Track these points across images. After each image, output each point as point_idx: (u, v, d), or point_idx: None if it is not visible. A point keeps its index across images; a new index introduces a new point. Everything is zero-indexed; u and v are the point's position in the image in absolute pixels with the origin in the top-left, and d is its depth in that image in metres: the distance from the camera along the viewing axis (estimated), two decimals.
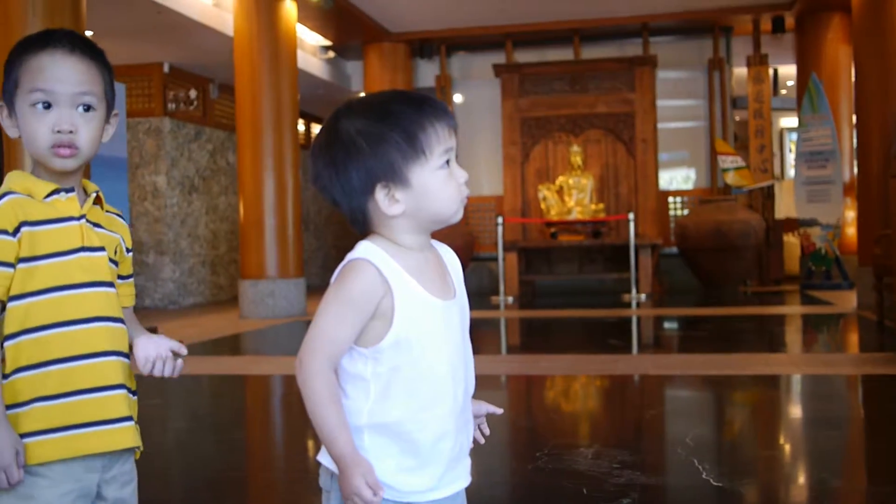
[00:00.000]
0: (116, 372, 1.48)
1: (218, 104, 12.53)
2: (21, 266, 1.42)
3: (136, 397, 1.55)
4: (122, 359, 1.50)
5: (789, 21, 12.20)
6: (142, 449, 1.54)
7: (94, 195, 1.53)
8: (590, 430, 4.08)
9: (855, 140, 10.06)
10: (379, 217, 1.32)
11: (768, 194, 12.23)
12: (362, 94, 1.38)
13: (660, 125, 12.55)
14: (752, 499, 2.88)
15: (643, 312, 9.28)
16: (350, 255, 1.31)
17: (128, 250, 1.59)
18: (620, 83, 12.39)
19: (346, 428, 1.27)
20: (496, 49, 13.19)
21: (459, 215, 1.34)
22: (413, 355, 1.29)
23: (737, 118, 14.00)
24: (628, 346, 7.00)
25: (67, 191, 1.48)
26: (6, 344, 1.43)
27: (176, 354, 1.54)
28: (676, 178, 13.26)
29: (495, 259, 11.62)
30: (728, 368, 5.34)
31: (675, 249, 12.32)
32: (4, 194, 1.43)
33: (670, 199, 13.03)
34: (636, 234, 11.04)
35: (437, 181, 1.30)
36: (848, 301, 9.29)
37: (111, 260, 1.52)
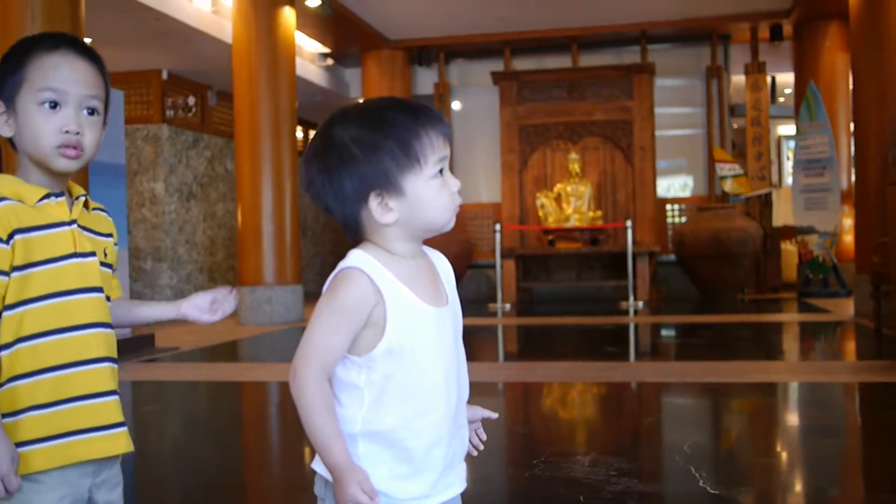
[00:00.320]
0: (109, 378, 1.49)
1: (216, 111, 12.54)
2: (15, 274, 1.41)
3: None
4: (113, 364, 1.51)
5: (787, 29, 12.23)
6: (133, 451, 1.54)
7: (82, 199, 1.53)
8: (587, 438, 4.07)
9: (852, 148, 10.07)
10: (372, 225, 1.32)
11: (766, 202, 12.25)
12: (356, 101, 1.37)
13: (658, 133, 12.56)
14: None
15: (641, 320, 9.28)
16: (342, 264, 1.31)
17: (115, 244, 1.59)
18: (618, 91, 12.41)
19: (341, 437, 1.26)
20: (494, 56, 13.21)
21: (452, 224, 1.34)
22: (406, 363, 1.29)
23: (734, 126, 14.02)
24: (626, 354, 7.00)
25: (57, 195, 1.47)
26: (2, 353, 1.42)
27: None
28: (674, 186, 13.28)
29: (493, 266, 11.62)
30: (725, 376, 5.33)
31: (672, 257, 12.33)
32: None
33: (668, 206, 13.03)
34: (634, 242, 11.05)
35: (431, 190, 1.30)
36: (845, 309, 9.30)
37: (103, 264, 1.52)
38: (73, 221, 1.48)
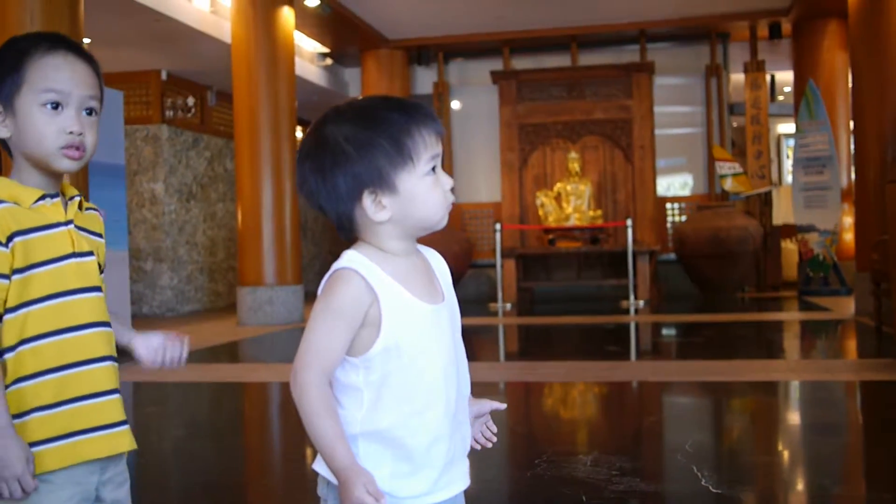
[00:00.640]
0: (111, 376, 1.49)
1: (216, 111, 12.53)
2: (16, 277, 1.41)
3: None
4: (114, 363, 1.51)
5: (786, 27, 12.22)
6: (136, 449, 1.55)
7: (77, 199, 1.52)
8: (588, 437, 4.07)
9: (852, 146, 10.07)
10: (366, 223, 1.31)
11: (766, 200, 12.24)
12: (348, 100, 1.37)
13: (657, 131, 12.56)
14: None
15: (641, 319, 9.28)
16: (335, 265, 1.31)
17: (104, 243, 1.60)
18: (618, 90, 12.41)
19: (344, 439, 1.26)
20: (494, 56, 13.21)
21: (445, 221, 1.34)
22: (403, 361, 1.28)
23: (734, 124, 14.02)
24: (626, 353, 6.99)
25: (52, 196, 1.47)
26: (6, 356, 1.42)
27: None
28: (674, 185, 13.27)
29: (493, 266, 11.61)
30: (726, 375, 5.33)
31: (672, 256, 12.32)
32: None
33: (668, 205, 13.03)
34: (634, 241, 11.04)
35: (424, 187, 1.30)
36: (846, 307, 9.29)
37: (98, 264, 1.53)
38: (69, 221, 1.48)
